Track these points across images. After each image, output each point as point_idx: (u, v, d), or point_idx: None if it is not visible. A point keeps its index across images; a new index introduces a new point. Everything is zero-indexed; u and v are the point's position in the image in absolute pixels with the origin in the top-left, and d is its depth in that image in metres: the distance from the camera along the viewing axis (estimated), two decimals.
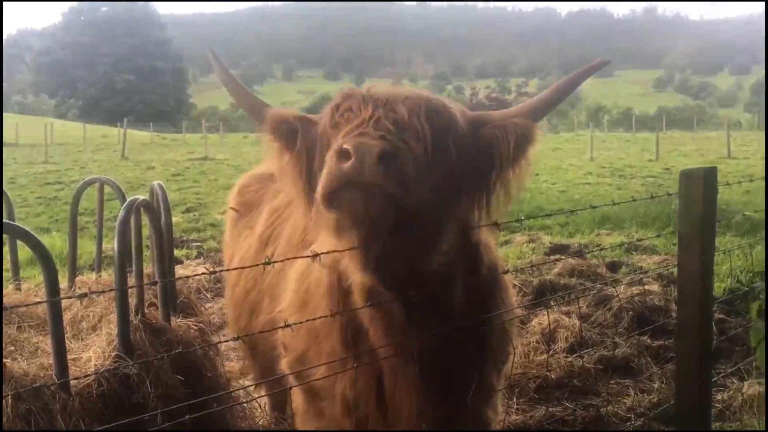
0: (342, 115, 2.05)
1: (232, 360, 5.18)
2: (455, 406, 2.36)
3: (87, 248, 8.76)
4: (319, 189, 1.89)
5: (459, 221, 2.20)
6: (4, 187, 4.12)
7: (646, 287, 6.75)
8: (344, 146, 1.80)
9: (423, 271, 2.12)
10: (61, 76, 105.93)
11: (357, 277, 2.14)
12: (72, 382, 2.52)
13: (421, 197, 1.90)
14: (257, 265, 2.07)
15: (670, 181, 18.71)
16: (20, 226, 2.44)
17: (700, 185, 3.05)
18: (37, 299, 3.31)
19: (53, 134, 38.42)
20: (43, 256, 2.38)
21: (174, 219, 11.55)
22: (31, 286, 4.15)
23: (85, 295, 1.95)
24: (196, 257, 9.53)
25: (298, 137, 2.20)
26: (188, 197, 16.76)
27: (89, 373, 2.63)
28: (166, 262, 3.37)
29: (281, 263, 2.65)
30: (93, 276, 4.12)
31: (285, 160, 2.23)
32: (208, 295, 6.77)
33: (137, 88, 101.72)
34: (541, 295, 6.85)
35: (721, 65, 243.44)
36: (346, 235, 2.04)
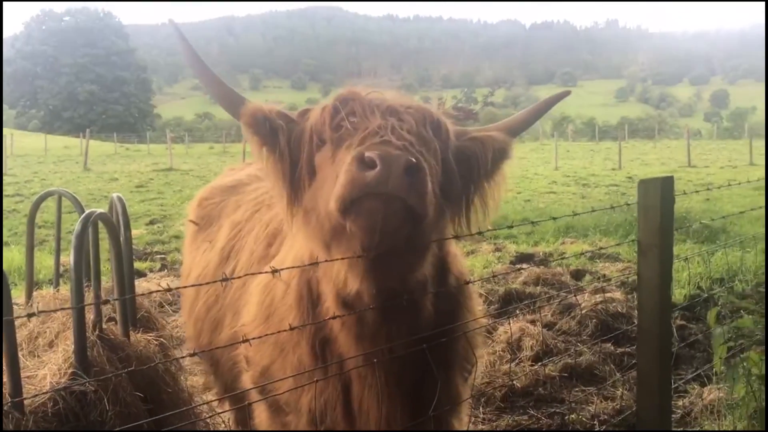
0: (345, 118, 2.00)
1: (195, 374, 5.10)
2: (422, 416, 2.35)
3: (46, 262, 8.58)
4: (336, 195, 1.80)
5: (441, 233, 2.25)
6: None
7: (609, 295, 6.84)
8: (368, 154, 1.74)
9: (410, 282, 2.13)
10: (22, 86, 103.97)
11: (353, 286, 2.08)
12: (26, 401, 2.45)
13: (433, 211, 1.92)
14: (216, 281, 2.03)
15: (632, 190, 19.04)
16: None
17: (658, 194, 3.11)
18: None
19: (13, 145, 37.64)
20: None
21: (137, 231, 11.39)
22: None
23: (33, 314, 1.89)
24: (160, 269, 9.39)
25: (280, 135, 2.15)
26: (152, 209, 16.52)
27: (44, 391, 2.56)
28: (126, 277, 3.30)
29: (243, 278, 2.62)
30: (50, 291, 4.02)
31: (268, 159, 2.18)
32: (170, 309, 6.66)
33: (100, 98, 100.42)
34: (507, 304, 6.89)
35: (680, 76, 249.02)
36: (344, 244, 1.97)
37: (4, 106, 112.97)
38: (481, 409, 4.80)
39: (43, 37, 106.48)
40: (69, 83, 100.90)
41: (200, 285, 2.59)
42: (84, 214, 2.86)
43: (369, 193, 1.75)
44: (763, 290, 7.31)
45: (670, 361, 3.33)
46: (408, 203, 1.77)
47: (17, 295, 6.83)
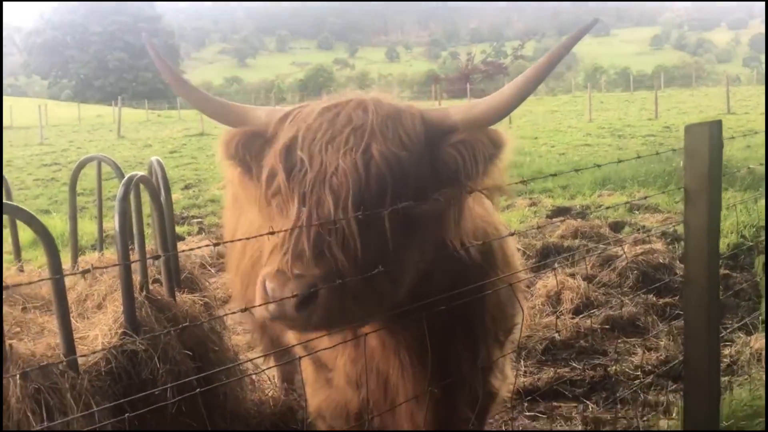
0: (273, 197, 2.06)
1: (239, 333, 5.19)
2: (452, 381, 2.38)
3: (87, 228, 8.75)
4: (255, 312, 1.93)
5: (428, 244, 2.13)
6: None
7: (649, 246, 6.74)
8: (267, 285, 1.84)
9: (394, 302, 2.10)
10: (52, 57, 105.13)
11: None
12: (80, 360, 2.51)
13: (353, 301, 1.89)
14: (260, 235, 2.04)
15: (670, 140, 18.64)
16: (20, 206, 2.40)
17: (705, 139, 3.01)
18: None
19: (47, 116, 38.20)
20: (44, 235, 2.35)
21: (173, 196, 11.54)
22: (34, 268, 4.13)
23: (87, 270, 1.92)
24: (198, 233, 9.52)
25: (252, 167, 2.17)
26: (187, 174, 16.71)
27: (96, 350, 2.61)
28: (168, 238, 3.34)
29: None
30: (95, 255, 4.10)
31: (247, 187, 2.21)
32: (212, 270, 6.76)
33: (130, 65, 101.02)
34: (545, 258, 6.85)
35: (717, 21, 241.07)
36: None
37: (36, 77, 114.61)
38: (522, 362, 4.81)
39: (72, 6, 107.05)
40: (98, 51, 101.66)
41: (247, 239, 2.59)
42: (126, 178, 2.88)
43: (273, 318, 1.88)
44: None
45: (718, 310, 3.27)
46: (311, 323, 1.87)
47: (63, 260, 6.98)
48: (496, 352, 2.69)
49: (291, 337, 2.76)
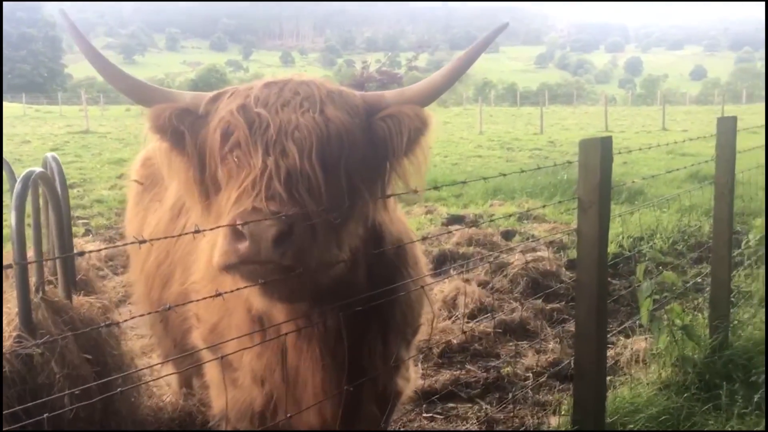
0: (231, 151, 2.02)
1: (130, 338, 5.02)
2: (361, 380, 2.40)
3: None
4: (215, 260, 1.89)
5: (361, 218, 2.19)
6: None
7: (538, 254, 7.08)
8: (238, 224, 1.81)
9: (328, 278, 2.10)
10: None
11: (258, 306, 2.18)
12: None
13: (320, 244, 1.92)
14: (168, 237, 2.01)
15: (554, 154, 19.62)
16: None
17: (598, 153, 3.23)
18: None
19: None
20: None
21: None
22: None
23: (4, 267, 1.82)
24: (84, 234, 9.07)
25: (186, 139, 2.13)
26: (71, 173, 15.85)
27: None
28: (65, 237, 3.20)
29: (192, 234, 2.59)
30: None
31: (174, 162, 2.17)
32: (106, 272, 6.50)
33: (6, 57, 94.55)
34: (441, 265, 7.04)
35: (597, 43, 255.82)
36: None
37: None
38: (419, 365, 4.93)
39: None
40: None
41: (153, 240, 2.52)
42: (24, 173, 2.74)
43: (243, 261, 1.84)
44: (679, 248, 7.74)
45: (606, 312, 3.51)
46: (283, 264, 1.85)
47: None
48: (405, 350, 2.76)
49: (196, 336, 2.71)
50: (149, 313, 1.92)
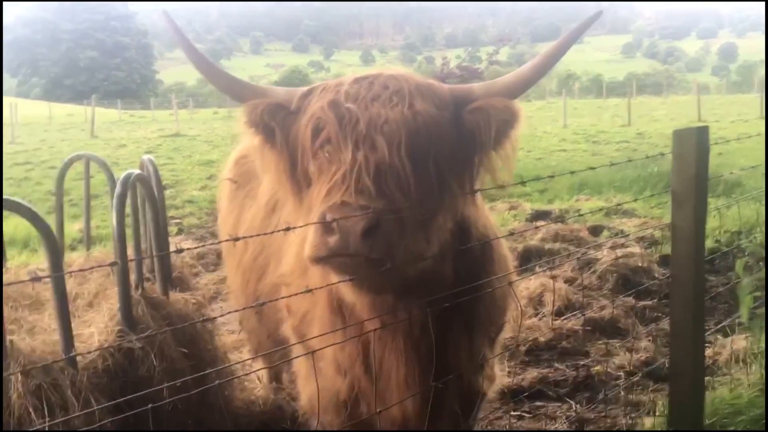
0: (322, 147, 2.06)
1: (222, 334, 5.18)
2: (444, 377, 2.38)
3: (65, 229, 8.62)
4: (306, 252, 1.94)
5: (450, 212, 2.20)
6: None
7: (628, 249, 6.86)
8: (329, 217, 1.86)
9: (416, 271, 2.11)
10: (22, 54, 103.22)
11: (348, 297, 2.25)
12: (78, 358, 2.50)
13: (408, 237, 1.94)
14: (265, 233, 2.07)
15: (644, 146, 18.95)
16: (23, 202, 2.39)
17: (693, 144, 3.09)
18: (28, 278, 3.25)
19: (17, 114, 37.54)
20: (46, 233, 2.34)
21: None
22: (10, 266, 4.07)
23: (91, 268, 1.92)
24: (177, 234, 9.45)
25: (277, 134, 2.19)
26: (163, 174, 16.43)
27: (94, 348, 2.61)
28: (162, 236, 3.34)
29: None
30: (80, 254, 4.07)
31: (267, 156, 2.24)
32: (199, 269, 6.76)
33: (101, 64, 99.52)
34: (527, 261, 6.92)
35: (687, 29, 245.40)
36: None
37: (5, 75, 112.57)
38: (505, 363, 4.87)
39: (43, 3, 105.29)
40: (69, 50, 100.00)
41: (248, 237, 2.62)
42: (124, 175, 2.88)
43: (332, 254, 1.89)
44: None
45: (703, 310, 3.36)
46: (372, 257, 1.88)
47: (37, 261, 6.89)
48: (489, 348, 2.72)
49: (287, 327, 2.76)
50: (242, 309, 1.98)
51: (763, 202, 8.93)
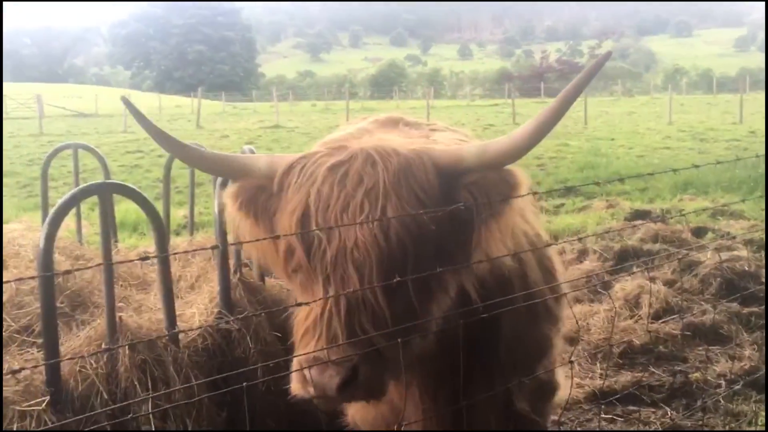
0: (295, 272, 2.03)
1: None
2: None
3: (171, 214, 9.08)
4: (291, 387, 1.92)
5: (443, 291, 2.09)
6: (99, 151, 4.31)
7: (734, 253, 6.52)
8: (306, 374, 1.84)
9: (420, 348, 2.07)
10: (135, 48, 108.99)
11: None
12: (180, 336, 2.64)
13: (395, 361, 1.90)
14: (356, 223, 2.06)
15: (756, 145, 17.90)
16: (134, 188, 2.54)
17: None
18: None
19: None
20: (154, 217, 2.48)
21: None
22: (120, 247, 4.33)
23: (194, 250, 2.03)
24: None
25: (258, 221, 2.16)
26: None
27: (195, 327, 2.75)
28: None
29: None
30: (184, 239, 4.28)
31: (253, 235, 2.16)
32: None
33: (208, 58, 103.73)
34: (623, 261, 6.72)
35: None
36: None
37: (120, 67, 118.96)
38: (597, 364, 4.75)
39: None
40: (179, 44, 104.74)
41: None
42: None
43: (315, 397, 1.86)
44: None
45: None
46: (353, 397, 1.90)
47: (146, 244, 7.29)
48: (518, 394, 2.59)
49: None
50: (330, 297, 1.96)
51: None
